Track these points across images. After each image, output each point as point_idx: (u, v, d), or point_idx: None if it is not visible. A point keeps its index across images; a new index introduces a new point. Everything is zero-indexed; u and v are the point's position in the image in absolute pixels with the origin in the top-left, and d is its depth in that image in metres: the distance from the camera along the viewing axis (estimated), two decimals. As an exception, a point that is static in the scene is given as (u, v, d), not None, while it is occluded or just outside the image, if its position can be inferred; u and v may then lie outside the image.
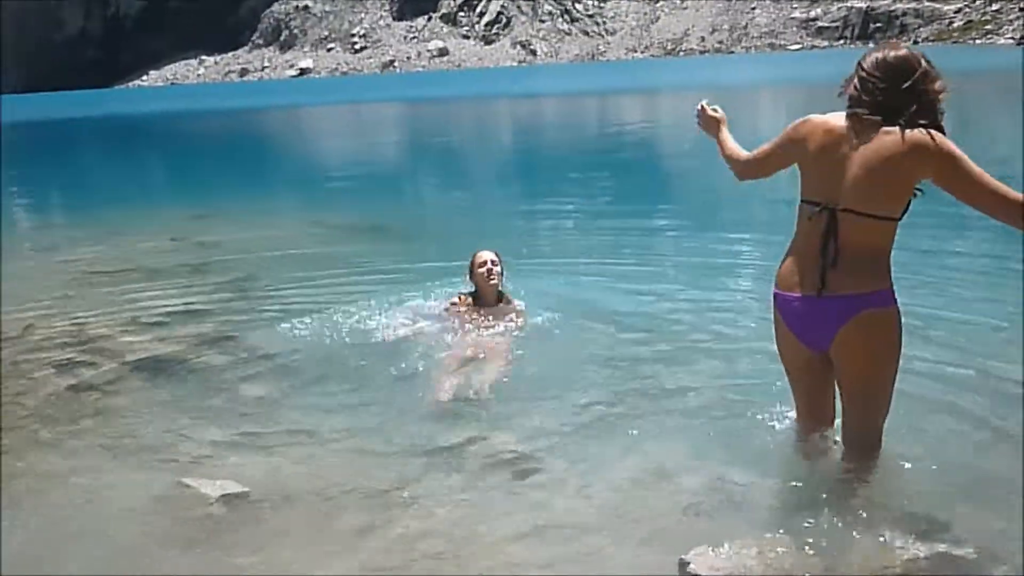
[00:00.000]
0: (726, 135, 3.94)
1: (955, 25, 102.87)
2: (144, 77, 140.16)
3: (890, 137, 3.31)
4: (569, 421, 4.60)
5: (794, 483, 3.85)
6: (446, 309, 6.39)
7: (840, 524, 3.45)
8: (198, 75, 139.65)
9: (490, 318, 6.26)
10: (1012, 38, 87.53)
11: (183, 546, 3.44)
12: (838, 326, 3.40)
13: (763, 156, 3.67)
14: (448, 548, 3.38)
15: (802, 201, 3.44)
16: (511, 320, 6.23)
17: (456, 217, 11.92)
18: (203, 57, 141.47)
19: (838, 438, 3.70)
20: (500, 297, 6.36)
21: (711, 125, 4.00)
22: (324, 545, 3.50)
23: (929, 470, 3.86)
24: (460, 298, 6.40)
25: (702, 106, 4.07)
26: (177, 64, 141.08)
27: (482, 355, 5.78)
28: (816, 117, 3.50)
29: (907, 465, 3.84)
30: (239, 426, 4.71)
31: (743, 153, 3.76)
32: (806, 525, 3.47)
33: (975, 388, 4.69)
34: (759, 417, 4.37)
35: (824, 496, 3.71)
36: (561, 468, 4.07)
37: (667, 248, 9.21)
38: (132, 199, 15.30)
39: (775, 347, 3.69)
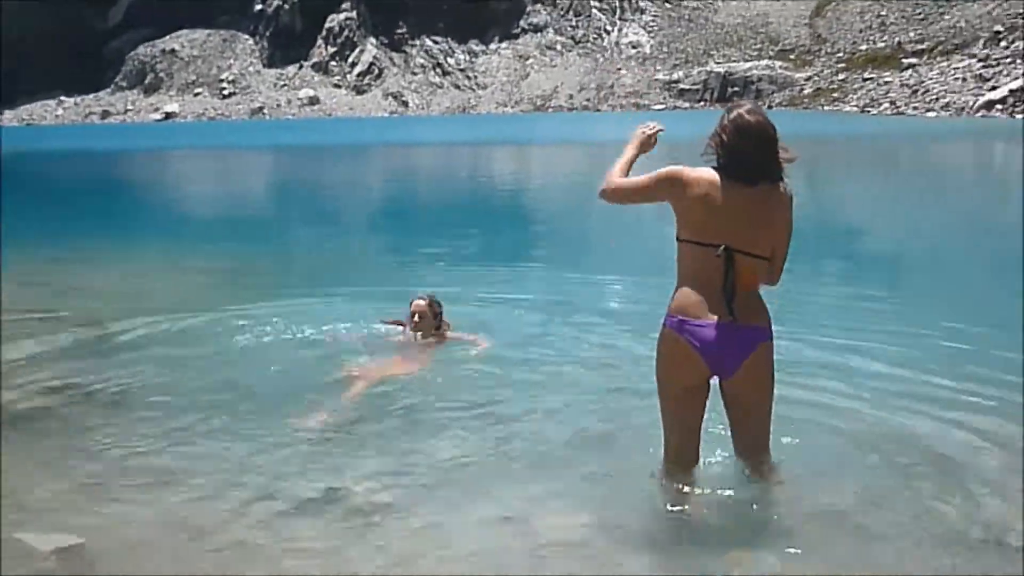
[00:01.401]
0: (632, 159, 4.29)
1: (805, 91, 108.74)
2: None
3: (767, 192, 3.86)
4: (433, 464, 4.62)
5: (656, 524, 3.97)
6: (383, 321, 7.15)
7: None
8: (56, 116, 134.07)
9: (414, 342, 6.79)
10: (856, 105, 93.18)
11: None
12: (747, 354, 3.81)
13: (638, 187, 4.07)
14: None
15: (693, 242, 3.86)
16: (429, 347, 6.71)
17: (322, 259, 11.80)
18: (63, 98, 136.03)
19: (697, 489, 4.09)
20: (438, 332, 6.90)
21: (643, 144, 4.34)
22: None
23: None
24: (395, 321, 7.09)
25: (652, 127, 4.40)
26: (34, 104, 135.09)
27: (373, 380, 5.96)
28: (689, 169, 3.96)
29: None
30: (82, 476, 4.54)
31: (623, 179, 4.13)
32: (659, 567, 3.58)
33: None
34: (632, 459, 4.54)
35: (681, 536, 3.83)
36: (419, 513, 4.08)
37: (536, 287, 9.45)
38: None
39: (651, 381, 4.04)
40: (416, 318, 6.83)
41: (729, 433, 4.18)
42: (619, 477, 4.43)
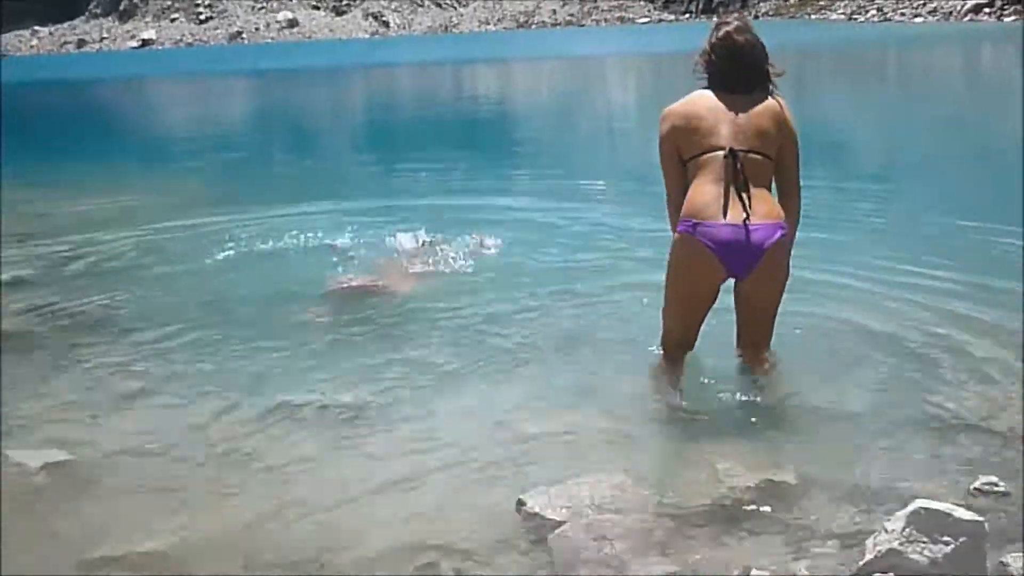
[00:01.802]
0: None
1: (791, 1, 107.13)
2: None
3: (762, 100, 3.99)
4: (412, 372, 4.65)
5: (642, 420, 4.02)
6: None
7: (679, 458, 3.63)
8: (31, 47, 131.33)
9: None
10: (844, 14, 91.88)
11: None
12: (762, 251, 3.85)
13: (672, 184, 4.09)
14: (276, 509, 3.35)
15: (698, 155, 3.93)
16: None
17: (301, 177, 11.80)
18: (36, 28, 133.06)
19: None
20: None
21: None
22: (153, 508, 3.42)
23: (790, 408, 4.13)
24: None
25: None
26: (7, 35, 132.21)
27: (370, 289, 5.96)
28: (675, 106, 4.09)
29: (760, 400, 4.10)
30: (67, 393, 4.57)
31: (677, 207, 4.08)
32: (644, 461, 3.62)
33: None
34: (616, 358, 4.57)
35: (666, 431, 3.88)
36: (396, 421, 4.10)
37: (519, 200, 9.39)
38: None
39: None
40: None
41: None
42: (610, 376, 4.49)
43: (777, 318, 4.22)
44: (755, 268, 3.87)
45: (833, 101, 21.44)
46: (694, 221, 3.88)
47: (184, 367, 4.83)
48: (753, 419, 3.89)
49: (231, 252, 7.38)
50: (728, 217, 3.83)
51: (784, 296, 4.11)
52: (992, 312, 5.11)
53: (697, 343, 4.31)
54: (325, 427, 4.04)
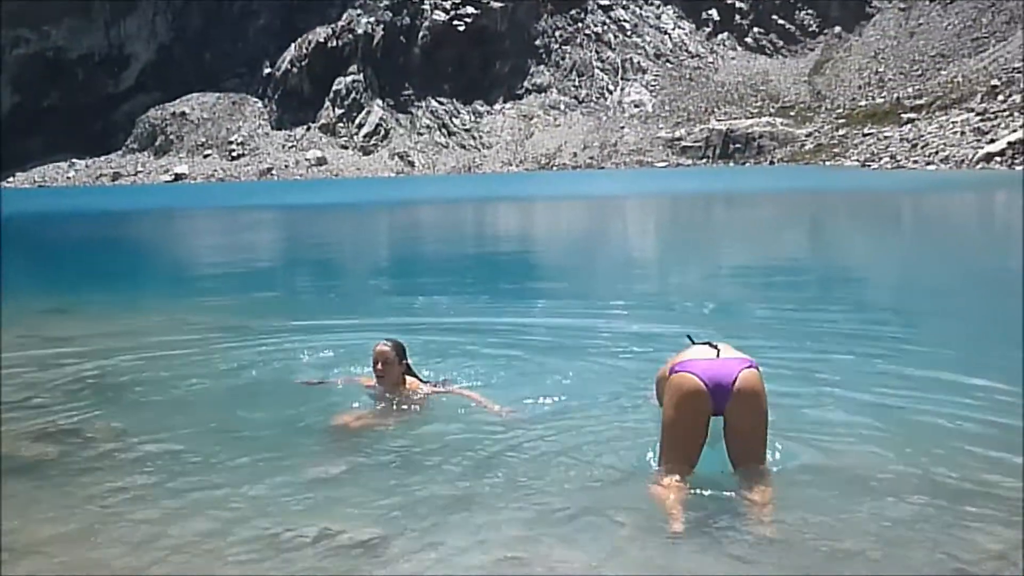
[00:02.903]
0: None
1: (807, 147, 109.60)
2: (10, 179, 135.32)
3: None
4: (427, 505, 4.69)
5: (646, 554, 4.09)
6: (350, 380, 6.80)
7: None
8: (68, 178, 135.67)
9: (386, 396, 6.44)
10: (857, 160, 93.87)
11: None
12: (733, 383, 4.44)
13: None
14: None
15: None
16: (408, 399, 6.40)
17: (329, 314, 11.35)
18: (74, 160, 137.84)
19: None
20: (405, 382, 6.51)
21: None
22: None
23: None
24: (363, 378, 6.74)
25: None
26: (46, 166, 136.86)
27: (357, 425, 5.98)
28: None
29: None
30: (71, 521, 4.59)
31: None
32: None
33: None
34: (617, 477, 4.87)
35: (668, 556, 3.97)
36: (415, 553, 4.15)
37: (521, 330, 9.55)
38: None
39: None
40: (379, 365, 6.39)
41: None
42: (614, 508, 4.58)
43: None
44: (730, 398, 4.47)
45: (848, 241, 21.75)
46: (682, 361, 4.64)
47: (197, 495, 4.88)
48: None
49: (247, 377, 7.57)
50: (703, 356, 4.62)
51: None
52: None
53: None
54: (333, 559, 4.07)
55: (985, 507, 4.46)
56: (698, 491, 4.56)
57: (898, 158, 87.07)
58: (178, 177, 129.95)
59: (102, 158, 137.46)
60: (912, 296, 12.63)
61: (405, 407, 6.34)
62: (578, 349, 8.36)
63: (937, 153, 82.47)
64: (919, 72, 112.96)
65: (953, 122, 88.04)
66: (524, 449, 5.51)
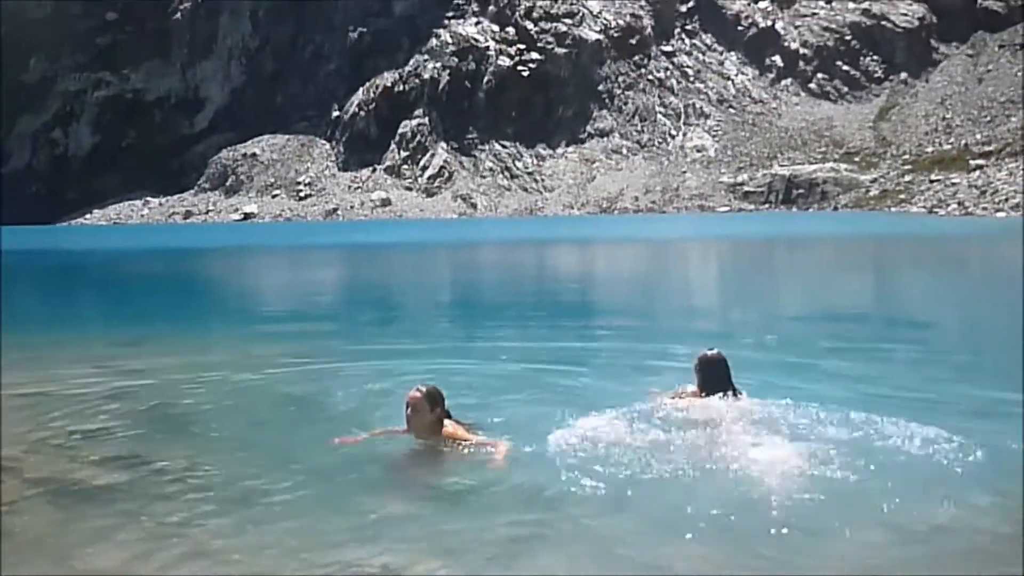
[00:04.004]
0: None
1: (871, 193, 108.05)
2: (88, 215, 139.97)
3: None
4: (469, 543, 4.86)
5: None
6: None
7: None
8: (142, 215, 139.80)
9: (419, 444, 6.30)
10: (924, 206, 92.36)
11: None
12: None
13: None
14: None
15: None
16: (435, 449, 6.22)
17: (391, 358, 11.09)
18: (148, 198, 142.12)
19: None
20: (440, 428, 6.31)
21: None
22: None
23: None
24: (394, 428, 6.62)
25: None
26: (122, 204, 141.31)
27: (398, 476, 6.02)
28: None
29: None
30: (142, 547, 4.79)
31: None
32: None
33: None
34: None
35: None
36: None
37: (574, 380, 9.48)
38: (62, 329, 15.04)
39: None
40: (409, 411, 6.25)
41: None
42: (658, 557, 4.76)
43: None
44: None
45: (916, 288, 21.40)
46: None
47: (258, 526, 5.08)
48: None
49: (309, 409, 7.84)
50: None
51: None
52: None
53: None
54: None
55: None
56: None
57: (966, 205, 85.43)
58: (247, 216, 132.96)
59: (175, 197, 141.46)
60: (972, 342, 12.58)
61: (430, 456, 6.26)
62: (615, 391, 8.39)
63: (1007, 200, 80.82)
64: (988, 118, 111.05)
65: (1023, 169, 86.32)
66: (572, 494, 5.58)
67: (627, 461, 6.00)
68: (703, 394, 7.27)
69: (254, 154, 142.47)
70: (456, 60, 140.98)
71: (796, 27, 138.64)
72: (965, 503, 5.30)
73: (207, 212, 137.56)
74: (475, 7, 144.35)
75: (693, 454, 6.17)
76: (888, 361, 10.53)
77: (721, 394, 7.19)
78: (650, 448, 6.28)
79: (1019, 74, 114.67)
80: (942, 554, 4.67)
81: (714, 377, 7.27)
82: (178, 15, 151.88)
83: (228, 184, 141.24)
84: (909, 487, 5.51)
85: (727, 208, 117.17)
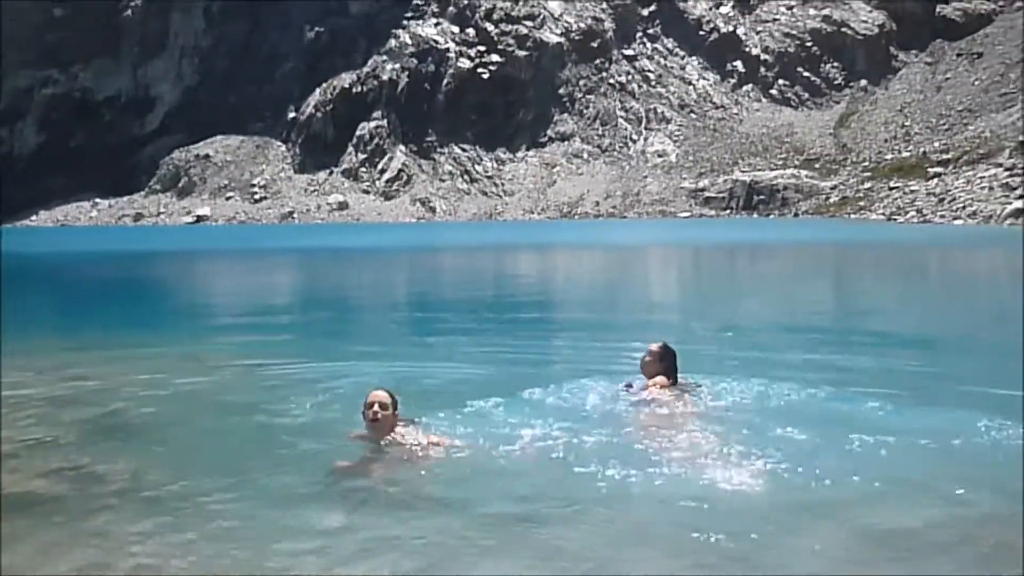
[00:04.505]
0: None
1: (831, 200, 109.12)
2: (33, 217, 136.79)
3: None
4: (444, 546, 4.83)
5: None
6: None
7: None
8: (91, 217, 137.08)
9: (382, 445, 6.37)
10: (883, 214, 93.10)
11: None
12: None
13: None
14: None
15: None
16: (400, 447, 6.32)
17: (345, 360, 11.23)
18: (97, 200, 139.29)
19: None
20: (393, 432, 6.46)
21: None
22: None
23: None
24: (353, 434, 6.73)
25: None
26: (69, 205, 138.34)
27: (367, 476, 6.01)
28: None
29: None
30: (82, 558, 4.64)
31: None
32: None
33: None
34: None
35: None
36: None
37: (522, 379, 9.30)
38: (6, 334, 14.37)
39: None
40: (376, 408, 6.34)
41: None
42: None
43: None
44: None
45: (873, 294, 21.34)
46: None
47: (204, 539, 4.92)
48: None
49: (260, 418, 7.69)
50: None
51: None
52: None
53: None
54: None
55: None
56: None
57: (924, 212, 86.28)
58: (200, 219, 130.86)
59: (125, 198, 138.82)
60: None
61: (400, 456, 6.33)
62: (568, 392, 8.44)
63: (964, 208, 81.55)
64: (946, 126, 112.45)
65: (981, 177, 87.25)
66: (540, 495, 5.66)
67: (598, 459, 6.19)
68: (671, 382, 7.72)
69: (207, 155, 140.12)
70: (415, 61, 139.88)
71: (757, 32, 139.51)
72: (953, 499, 5.42)
73: (158, 214, 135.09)
74: (435, 8, 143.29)
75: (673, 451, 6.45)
76: (853, 357, 10.98)
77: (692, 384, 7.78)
78: (636, 445, 6.57)
79: (976, 83, 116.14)
80: (931, 553, 4.66)
81: (674, 365, 7.82)
82: (128, 11, 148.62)
83: (180, 186, 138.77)
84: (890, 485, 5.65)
85: (688, 214, 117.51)
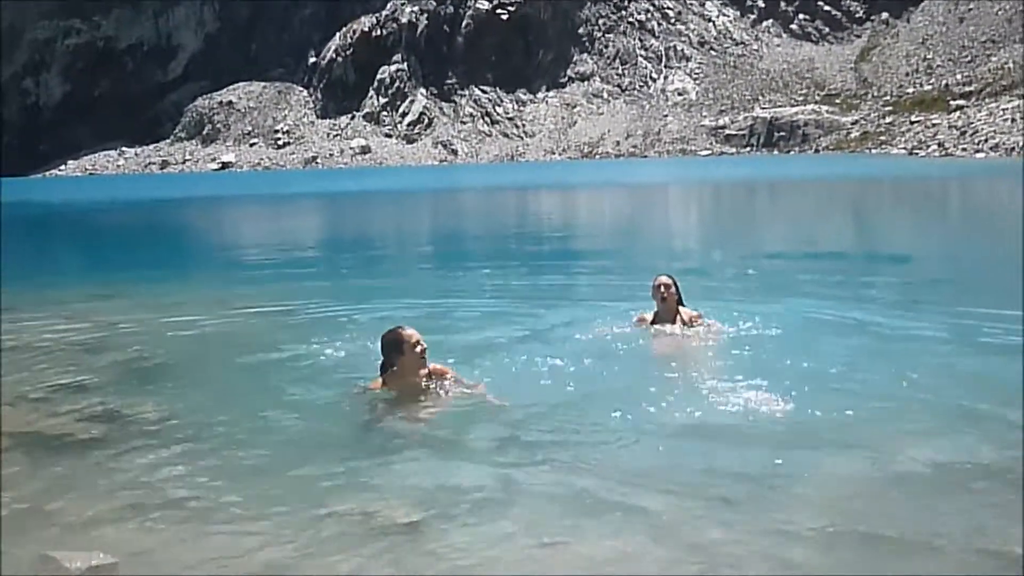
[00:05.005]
0: None
1: (852, 135, 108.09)
2: (62, 167, 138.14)
3: None
4: (465, 491, 4.72)
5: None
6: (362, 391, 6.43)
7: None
8: (118, 166, 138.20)
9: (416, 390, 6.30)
10: (904, 148, 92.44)
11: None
12: None
13: None
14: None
15: None
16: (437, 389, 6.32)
17: (366, 304, 10.81)
18: (123, 148, 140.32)
19: None
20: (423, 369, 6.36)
21: None
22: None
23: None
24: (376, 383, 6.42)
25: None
26: (96, 155, 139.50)
27: (400, 420, 5.95)
28: None
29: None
30: (119, 499, 4.66)
31: None
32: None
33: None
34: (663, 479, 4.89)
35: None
36: (453, 538, 4.19)
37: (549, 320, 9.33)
38: (33, 281, 14.51)
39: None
40: (419, 349, 6.27)
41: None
42: (650, 493, 4.66)
43: None
44: None
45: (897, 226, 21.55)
46: None
47: (235, 484, 4.89)
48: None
49: (285, 354, 7.76)
50: None
51: None
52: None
53: None
54: (372, 541, 4.12)
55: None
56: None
57: (946, 146, 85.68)
58: (225, 165, 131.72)
59: (151, 146, 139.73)
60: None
61: (436, 395, 6.32)
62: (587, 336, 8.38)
63: (987, 141, 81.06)
64: (968, 59, 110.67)
65: (1003, 109, 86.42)
66: (557, 439, 5.58)
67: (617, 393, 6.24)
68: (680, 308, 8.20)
69: (230, 102, 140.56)
70: (434, 4, 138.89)
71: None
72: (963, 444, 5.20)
73: (184, 162, 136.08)
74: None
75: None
76: (871, 289, 11.25)
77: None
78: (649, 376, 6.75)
79: (1000, 12, 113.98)
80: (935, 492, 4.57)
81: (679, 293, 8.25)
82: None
83: (204, 133, 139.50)
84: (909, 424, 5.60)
85: (708, 152, 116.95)
